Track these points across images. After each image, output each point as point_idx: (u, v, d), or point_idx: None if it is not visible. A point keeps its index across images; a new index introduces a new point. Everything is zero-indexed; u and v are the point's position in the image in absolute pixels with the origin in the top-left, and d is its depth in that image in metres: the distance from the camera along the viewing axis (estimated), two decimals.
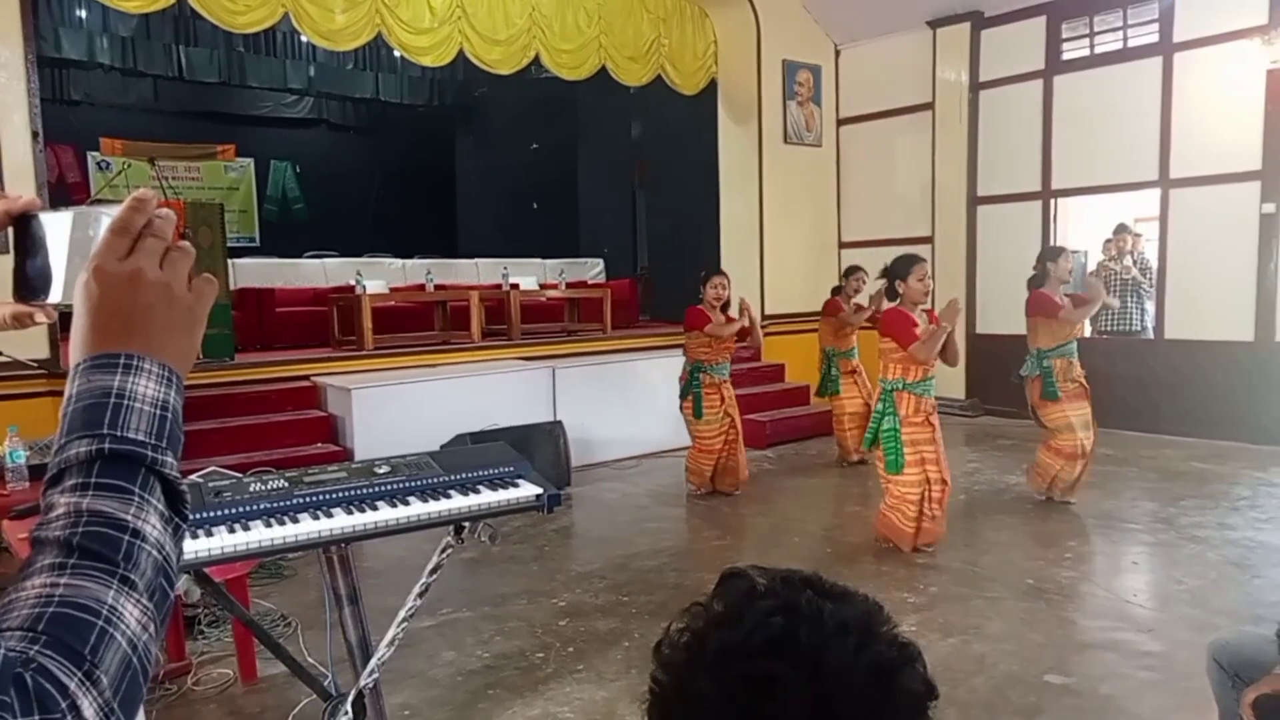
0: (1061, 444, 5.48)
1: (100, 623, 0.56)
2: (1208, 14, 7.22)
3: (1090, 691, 3.22)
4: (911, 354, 4.57)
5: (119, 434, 0.62)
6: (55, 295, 0.71)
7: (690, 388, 6.05)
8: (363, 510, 2.17)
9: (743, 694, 0.62)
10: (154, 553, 0.61)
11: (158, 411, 0.65)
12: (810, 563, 4.59)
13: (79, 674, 0.54)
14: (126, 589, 0.59)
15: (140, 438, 0.63)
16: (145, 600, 0.59)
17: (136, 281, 0.66)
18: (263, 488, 2.16)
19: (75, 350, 0.66)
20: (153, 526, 0.62)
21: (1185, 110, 7.44)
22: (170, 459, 0.65)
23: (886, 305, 5.08)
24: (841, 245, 10.09)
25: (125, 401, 0.63)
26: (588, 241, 11.96)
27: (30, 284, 0.70)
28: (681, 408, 6.16)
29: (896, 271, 4.76)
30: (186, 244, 0.71)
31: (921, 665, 0.66)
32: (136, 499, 0.62)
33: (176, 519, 0.65)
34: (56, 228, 0.71)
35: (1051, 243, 8.50)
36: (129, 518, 0.61)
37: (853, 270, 7.14)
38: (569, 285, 9.00)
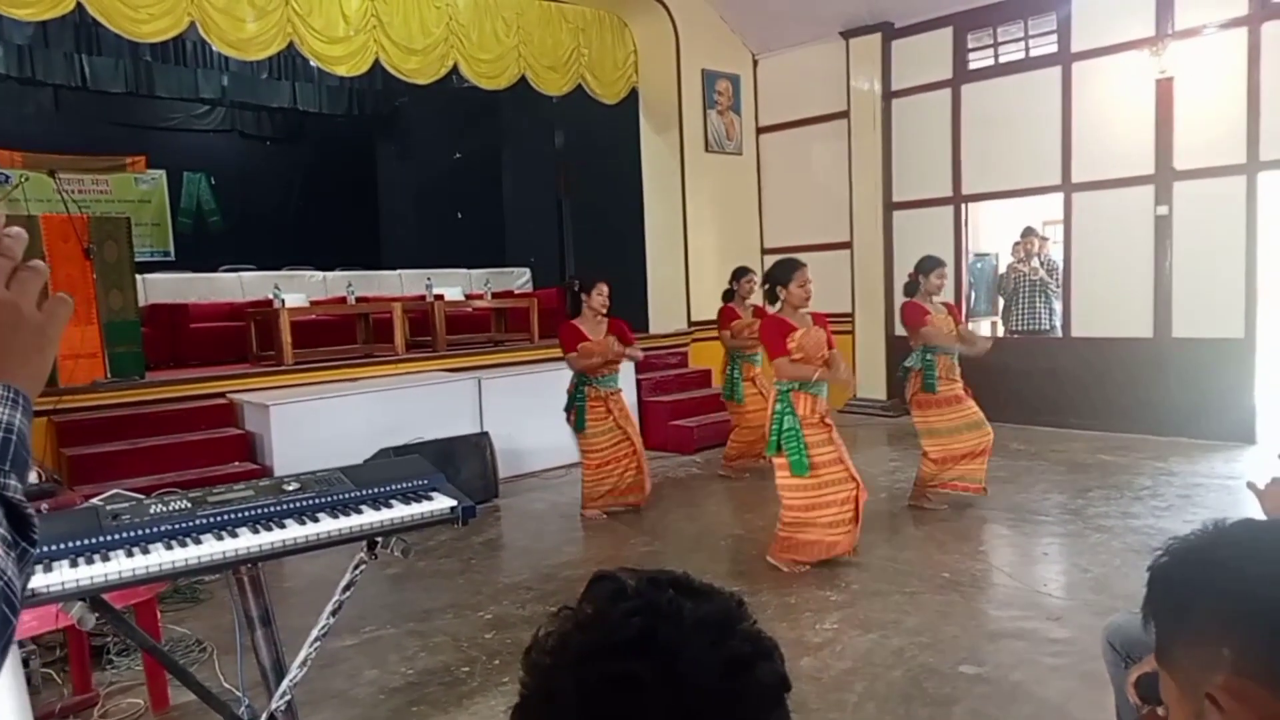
0: (926, 448, 5.55)
1: None
2: (1102, 25, 7.56)
3: (1001, 679, 3.33)
4: (775, 368, 4.55)
5: None
6: None
7: (574, 400, 5.80)
8: (269, 529, 2.12)
9: (602, 694, 0.63)
10: None
11: (1, 434, 0.63)
12: (736, 565, 4.65)
13: None
14: None
15: None
16: None
17: None
18: (164, 509, 2.11)
19: None
20: None
21: (1084, 117, 7.78)
22: (14, 482, 0.63)
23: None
24: (764, 251, 10.24)
25: None
26: (514, 251, 11.89)
27: None
28: (566, 420, 5.89)
29: (778, 277, 4.69)
30: (38, 263, 0.70)
31: (778, 659, 0.69)
32: None
33: (22, 544, 0.63)
34: None
35: (964, 245, 8.81)
36: None
37: (743, 272, 7.02)
38: (495, 295, 8.95)
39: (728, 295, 7.05)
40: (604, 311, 5.77)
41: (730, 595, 0.71)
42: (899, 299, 8.95)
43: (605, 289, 5.79)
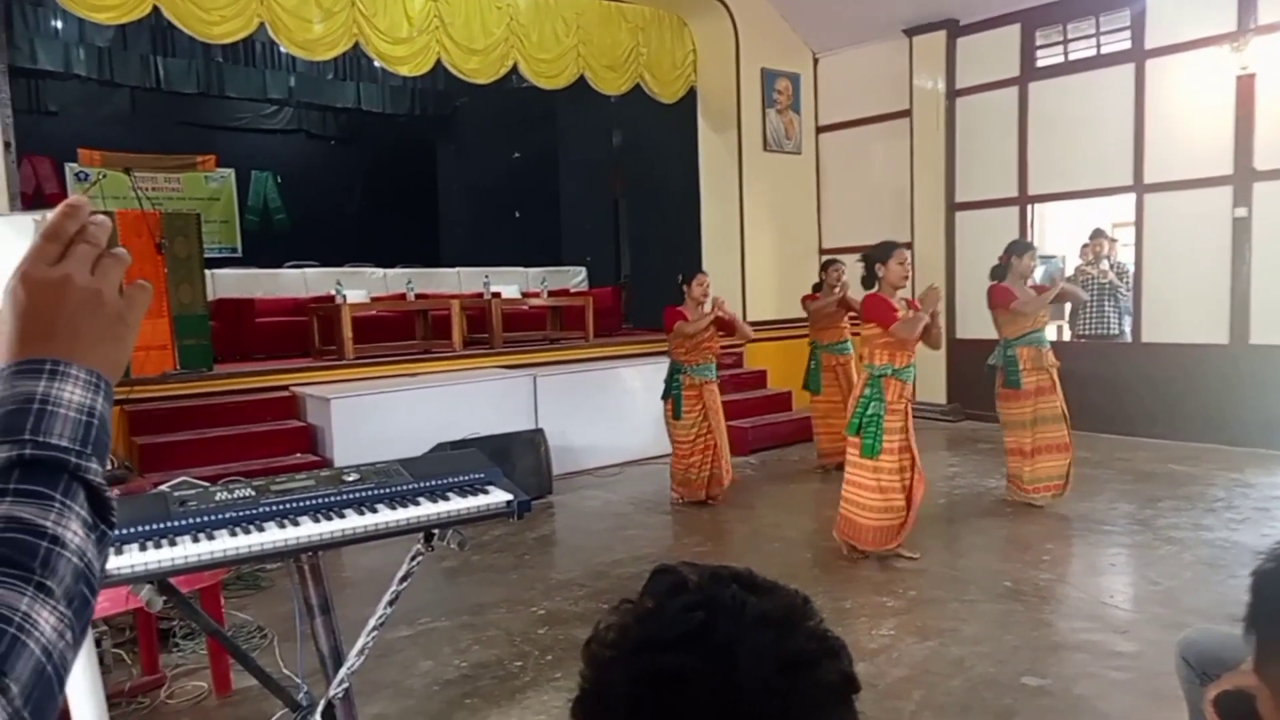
0: (1009, 441, 5.58)
1: (13, 631, 0.55)
2: (1178, 21, 7.31)
3: (1064, 692, 3.23)
4: (893, 334, 4.56)
5: (40, 439, 0.61)
6: None
7: (670, 388, 6.05)
8: (330, 518, 2.16)
9: (651, 686, 0.62)
10: (74, 560, 0.60)
11: (83, 418, 0.64)
12: (789, 568, 4.60)
13: None
14: (43, 596, 0.57)
15: (63, 444, 0.62)
16: (63, 608, 0.58)
17: (65, 287, 0.66)
18: (229, 496, 2.15)
19: (0, 356, 0.65)
20: (74, 533, 0.61)
21: (1158, 116, 7.52)
22: (95, 465, 0.64)
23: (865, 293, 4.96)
24: (821, 251, 10.12)
25: (49, 407, 0.63)
26: (570, 250, 11.97)
27: None
28: (664, 407, 6.15)
29: (876, 256, 4.76)
30: (121, 250, 0.71)
31: (846, 659, 0.67)
32: (57, 505, 0.61)
33: (102, 526, 0.64)
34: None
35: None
36: (48, 524, 0.60)
37: (831, 262, 7.02)
38: (551, 294, 9.00)
39: (817, 287, 7.11)
40: (703, 300, 5.97)
41: (795, 593, 0.69)
42: (961, 300, 8.86)
43: (705, 279, 6.06)
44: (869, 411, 4.61)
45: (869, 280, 4.85)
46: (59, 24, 10.94)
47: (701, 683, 0.61)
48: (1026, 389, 5.45)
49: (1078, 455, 5.59)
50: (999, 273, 5.60)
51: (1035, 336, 5.47)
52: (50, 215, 0.68)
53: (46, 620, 0.57)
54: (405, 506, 2.24)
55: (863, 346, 4.85)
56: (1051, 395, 5.49)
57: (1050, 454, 5.53)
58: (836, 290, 6.74)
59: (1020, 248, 5.57)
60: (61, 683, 0.58)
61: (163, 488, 2.55)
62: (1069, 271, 9.04)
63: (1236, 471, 6.40)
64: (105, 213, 0.72)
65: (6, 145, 5.62)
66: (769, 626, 0.64)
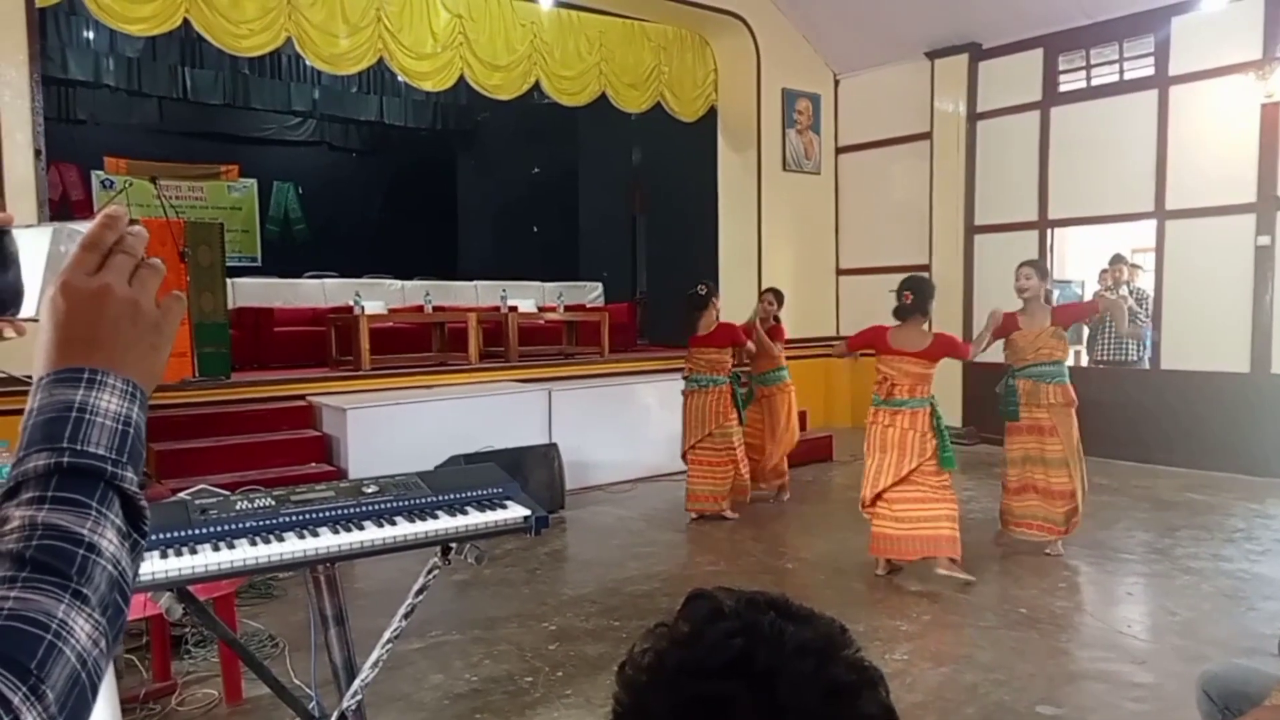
0: (1004, 476, 5.35)
1: (49, 637, 0.55)
2: (1203, 48, 7.29)
3: None
4: (970, 357, 5.06)
5: (79, 448, 0.62)
6: (28, 310, 0.71)
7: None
8: (349, 530, 2.16)
9: (696, 714, 0.62)
10: (109, 568, 0.61)
11: (120, 426, 0.64)
12: (801, 589, 4.57)
13: (23, 689, 0.52)
14: (79, 603, 0.58)
15: (100, 452, 0.63)
16: (98, 615, 0.59)
17: (104, 297, 0.66)
18: (249, 506, 2.16)
19: (39, 364, 0.65)
20: (109, 541, 0.61)
21: (1181, 143, 7.50)
22: (131, 474, 0.64)
23: (895, 323, 4.90)
24: (839, 272, 10.13)
25: (87, 416, 0.63)
26: (587, 265, 12.00)
27: None
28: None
29: (930, 293, 4.87)
30: (157, 261, 0.71)
31: (884, 689, 0.66)
32: (94, 513, 0.61)
33: (135, 535, 0.64)
34: (35, 243, 0.72)
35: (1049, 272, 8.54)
36: (85, 532, 0.60)
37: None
38: (567, 308, 9.02)
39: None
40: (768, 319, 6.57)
41: (832, 621, 0.69)
42: (979, 324, 8.79)
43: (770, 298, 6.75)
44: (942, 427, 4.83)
45: (906, 311, 4.80)
46: (90, 34, 11.12)
47: (746, 711, 0.61)
48: (1020, 424, 5.18)
49: (1094, 482, 5.47)
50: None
51: (1035, 370, 5.12)
52: (89, 225, 0.69)
53: (82, 628, 0.57)
54: (424, 520, 2.25)
55: (916, 381, 4.78)
56: (1049, 438, 5.08)
57: (1039, 496, 5.15)
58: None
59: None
60: (95, 691, 0.58)
61: (182, 495, 2.57)
62: (1087, 297, 8.99)
63: (1257, 502, 6.33)
64: (132, 221, 0.73)
65: (38, 153, 5.70)
66: (809, 655, 0.64)
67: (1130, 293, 8.20)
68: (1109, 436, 7.73)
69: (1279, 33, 6.90)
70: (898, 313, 4.83)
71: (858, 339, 5.09)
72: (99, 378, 0.65)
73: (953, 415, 8.87)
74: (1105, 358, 8.30)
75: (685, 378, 6.19)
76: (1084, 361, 8.84)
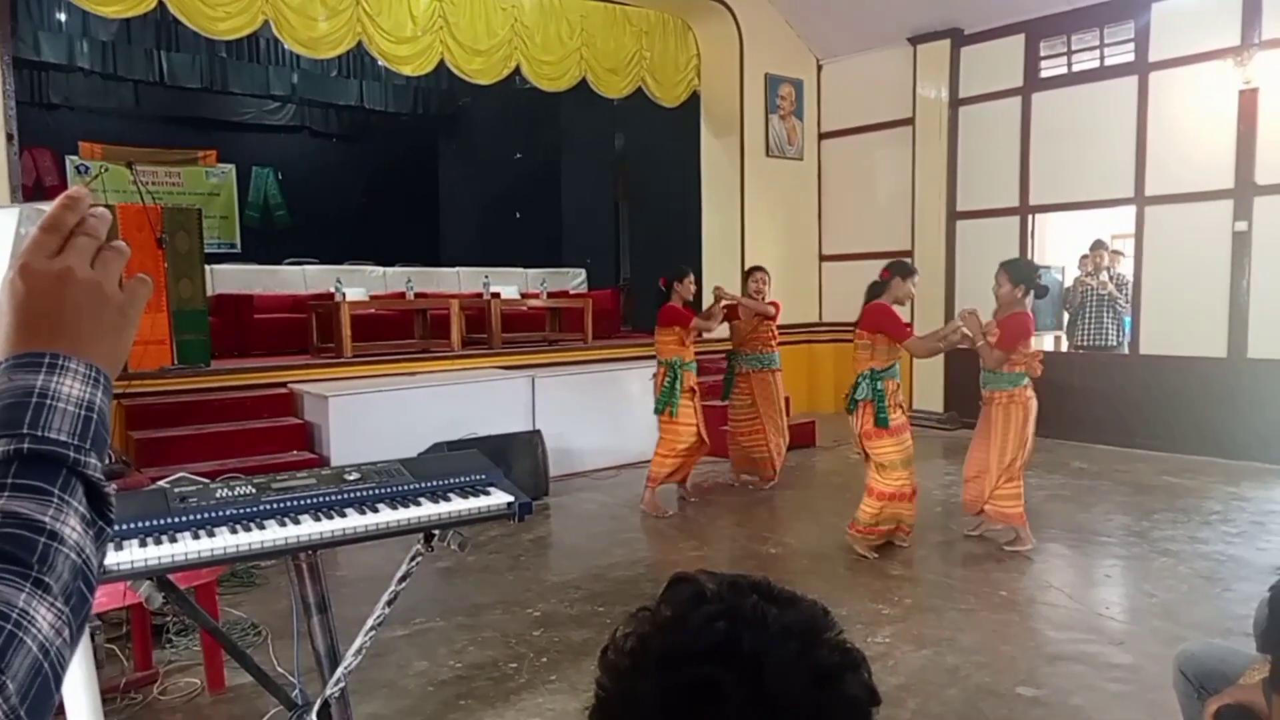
0: (886, 484, 4.83)
1: (10, 627, 0.54)
2: (1183, 35, 7.33)
3: (1060, 704, 3.23)
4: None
5: (40, 434, 0.60)
6: None
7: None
8: (331, 517, 2.15)
9: (683, 699, 0.62)
10: (72, 556, 0.59)
11: (82, 412, 0.63)
12: (785, 574, 4.59)
13: None
14: (40, 592, 0.56)
15: (62, 438, 0.61)
16: (60, 604, 0.57)
17: (65, 280, 0.65)
18: (229, 493, 2.14)
19: None
20: (72, 529, 0.60)
21: (1160, 129, 7.54)
22: (94, 460, 0.63)
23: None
24: (822, 258, 10.15)
25: (48, 401, 0.62)
26: (570, 251, 11.96)
27: None
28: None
29: (903, 270, 4.94)
30: (121, 243, 0.70)
31: (866, 671, 0.66)
32: (55, 500, 0.60)
33: (100, 522, 0.63)
34: (1, 224, 0.70)
35: (1030, 257, 8.58)
36: (46, 519, 0.59)
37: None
38: (550, 295, 8.99)
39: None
40: (760, 298, 6.65)
41: (815, 603, 0.69)
42: (960, 309, 8.84)
43: (763, 276, 6.73)
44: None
45: (878, 288, 4.92)
46: (63, 16, 10.92)
47: (735, 696, 0.61)
48: (895, 426, 4.83)
49: (1074, 466, 5.51)
50: (876, 289, 4.95)
51: (896, 370, 4.93)
52: (49, 207, 0.67)
53: (44, 617, 0.56)
54: (406, 507, 2.23)
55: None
56: (906, 433, 4.94)
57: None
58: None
59: (904, 269, 4.96)
60: (59, 681, 0.57)
61: (162, 484, 2.54)
62: (1068, 283, 9.05)
63: (1233, 485, 6.41)
64: (106, 206, 0.71)
65: (9, 137, 5.61)
66: (793, 638, 0.64)
67: (1110, 278, 8.27)
68: (1088, 421, 7.82)
69: (1257, 20, 6.94)
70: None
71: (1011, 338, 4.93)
72: (60, 362, 0.63)
73: (934, 400, 8.94)
74: (1085, 343, 8.37)
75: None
76: (1064, 347, 8.91)
